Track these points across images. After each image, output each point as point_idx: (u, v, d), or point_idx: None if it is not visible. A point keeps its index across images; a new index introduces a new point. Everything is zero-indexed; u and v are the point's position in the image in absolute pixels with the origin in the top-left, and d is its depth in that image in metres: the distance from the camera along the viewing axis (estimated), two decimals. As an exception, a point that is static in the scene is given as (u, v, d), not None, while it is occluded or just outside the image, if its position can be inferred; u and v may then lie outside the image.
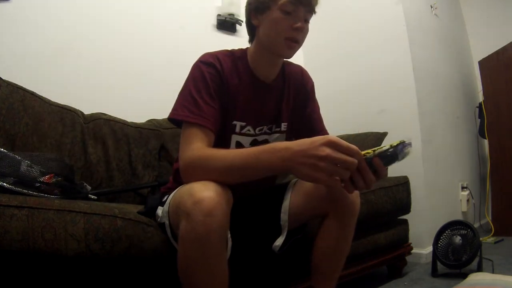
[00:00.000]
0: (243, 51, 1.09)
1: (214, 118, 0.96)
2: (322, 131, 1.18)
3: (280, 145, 0.80)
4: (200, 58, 1.02)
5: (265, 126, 1.09)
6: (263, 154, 0.81)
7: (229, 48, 1.09)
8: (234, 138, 1.05)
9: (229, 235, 0.84)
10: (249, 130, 1.07)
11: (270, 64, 1.07)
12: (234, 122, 1.04)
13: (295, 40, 0.99)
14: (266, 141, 1.11)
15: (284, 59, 1.11)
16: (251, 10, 1.05)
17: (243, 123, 1.05)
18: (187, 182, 0.85)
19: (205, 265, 0.76)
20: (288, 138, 1.16)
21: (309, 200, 1.04)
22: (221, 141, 1.01)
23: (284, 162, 0.78)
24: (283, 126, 1.13)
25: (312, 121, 1.18)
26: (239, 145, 1.06)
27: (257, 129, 1.08)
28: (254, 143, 1.08)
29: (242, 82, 1.04)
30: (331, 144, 0.74)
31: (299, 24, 0.98)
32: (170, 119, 0.98)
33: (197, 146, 0.90)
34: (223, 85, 1.00)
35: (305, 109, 1.18)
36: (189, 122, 0.94)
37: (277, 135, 1.13)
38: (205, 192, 0.76)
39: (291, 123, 1.15)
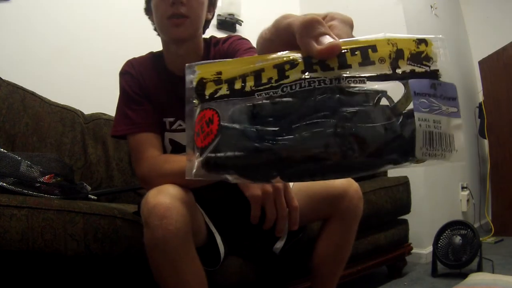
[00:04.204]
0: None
1: (146, 120, 0.99)
2: None
3: None
4: (120, 69, 1.06)
5: None
6: None
7: None
8: (167, 135, 1.05)
9: (219, 240, 0.84)
10: (180, 125, 1.04)
11: (177, 55, 1.02)
12: (164, 120, 1.04)
13: (177, 16, 0.93)
14: None
15: (212, 43, 1.07)
16: (145, 11, 1.07)
17: (172, 119, 1.04)
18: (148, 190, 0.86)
19: (173, 270, 0.77)
20: None
21: (311, 202, 1.02)
22: None
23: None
24: None
25: None
26: (173, 143, 1.05)
27: None
28: None
29: (160, 80, 1.04)
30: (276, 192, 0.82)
31: None
32: (113, 136, 1.04)
33: (148, 154, 0.94)
34: (142, 88, 1.02)
35: None
36: (129, 134, 0.99)
37: None
38: (157, 197, 0.77)
39: None
